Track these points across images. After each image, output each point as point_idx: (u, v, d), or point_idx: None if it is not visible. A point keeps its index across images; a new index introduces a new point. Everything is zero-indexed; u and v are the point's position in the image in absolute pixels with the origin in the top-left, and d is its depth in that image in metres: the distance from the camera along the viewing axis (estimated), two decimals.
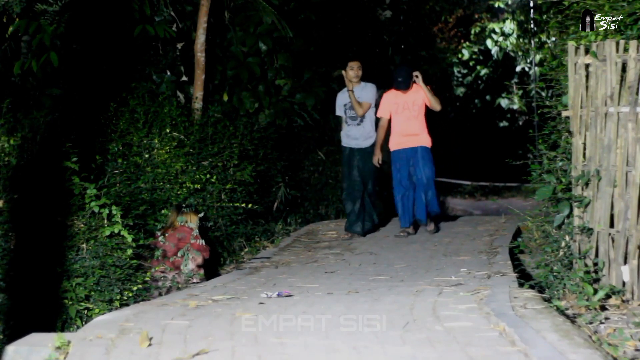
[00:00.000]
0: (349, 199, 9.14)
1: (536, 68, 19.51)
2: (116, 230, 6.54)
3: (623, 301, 5.24)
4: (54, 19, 8.75)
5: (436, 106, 8.92)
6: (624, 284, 5.37)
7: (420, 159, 8.90)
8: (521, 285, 5.59)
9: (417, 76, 8.87)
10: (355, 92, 9.08)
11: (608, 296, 5.23)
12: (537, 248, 7.08)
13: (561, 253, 5.76)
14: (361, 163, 9.13)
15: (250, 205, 8.81)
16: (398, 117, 8.97)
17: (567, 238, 5.76)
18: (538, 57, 19.79)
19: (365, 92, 9.10)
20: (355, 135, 9.18)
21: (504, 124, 23.41)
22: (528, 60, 22.43)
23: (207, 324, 4.51)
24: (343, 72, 9.14)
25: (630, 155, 5.38)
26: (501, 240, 8.47)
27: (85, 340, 4.04)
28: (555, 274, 5.59)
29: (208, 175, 8.50)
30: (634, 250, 5.33)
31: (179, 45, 10.13)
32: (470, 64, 23.67)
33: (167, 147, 8.43)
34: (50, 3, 8.83)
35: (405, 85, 8.89)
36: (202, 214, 7.75)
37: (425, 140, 8.99)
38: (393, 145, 9.03)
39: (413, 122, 8.93)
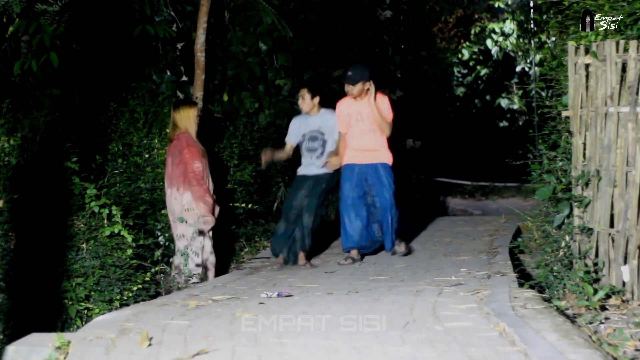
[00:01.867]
0: (285, 219, 7.87)
1: (536, 68, 19.52)
2: (116, 230, 6.55)
3: (623, 301, 5.25)
4: (54, 19, 8.74)
5: (385, 130, 7.64)
6: (624, 284, 5.37)
7: (383, 176, 7.67)
8: (521, 285, 5.59)
9: (368, 88, 7.63)
10: (315, 122, 7.98)
11: (608, 296, 5.23)
12: (537, 248, 7.08)
13: (561, 253, 5.76)
14: (311, 186, 7.88)
15: (250, 205, 8.81)
16: (352, 130, 7.74)
17: (567, 238, 5.76)
18: (538, 57, 19.81)
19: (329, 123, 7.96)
20: (314, 165, 7.98)
21: (504, 124, 23.43)
22: (528, 60, 22.44)
23: (207, 324, 4.51)
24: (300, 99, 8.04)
25: (630, 155, 5.38)
26: (501, 240, 8.47)
27: (85, 340, 4.04)
28: (555, 274, 5.59)
29: None
30: (634, 250, 5.33)
31: (179, 45, 10.13)
32: (470, 64, 23.68)
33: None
34: (50, 3, 8.82)
35: (351, 80, 7.59)
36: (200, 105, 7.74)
37: (386, 157, 7.73)
38: (346, 159, 7.78)
39: (368, 136, 7.68)
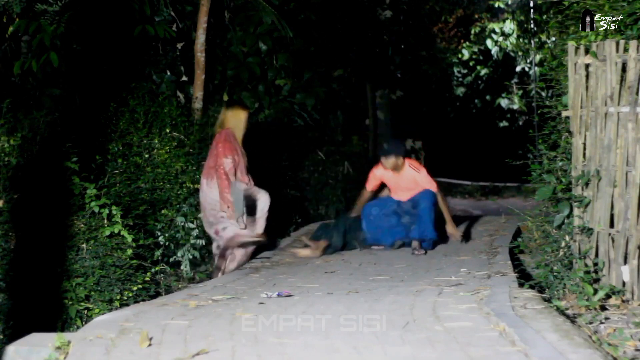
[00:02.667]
0: None
1: (536, 68, 19.52)
2: (116, 230, 6.55)
3: (623, 301, 5.24)
4: (54, 19, 8.74)
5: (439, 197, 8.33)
6: (624, 284, 5.37)
7: (420, 194, 8.22)
8: (521, 285, 5.58)
9: (402, 162, 8.26)
10: None
11: (608, 296, 5.23)
12: (537, 248, 7.08)
13: (561, 253, 5.76)
14: None
15: None
16: (393, 191, 8.48)
17: (567, 238, 5.75)
18: (538, 57, 19.81)
19: None
20: None
21: (504, 124, 23.43)
22: (528, 60, 22.44)
23: (207, 324, 4.51)
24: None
25: (630, 155, 5.38)
26: (501, 240, 8.46)
27: (85, 340, 4.04)
28: (555, 274, 5.59)
29: None
30: (634, 250, 5.33)
31: (179, 45, 10.13)
32: (470, 64, 23.69)
33: (167, 147, 8.43)
34: (50, 3, 8.82)
35: (384, 152, 8.32)
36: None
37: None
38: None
39: (407, 195, 8.36)
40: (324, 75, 11.12)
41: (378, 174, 8.47)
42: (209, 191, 7.62)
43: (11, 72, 8.91)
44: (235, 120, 7.79)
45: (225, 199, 7.50)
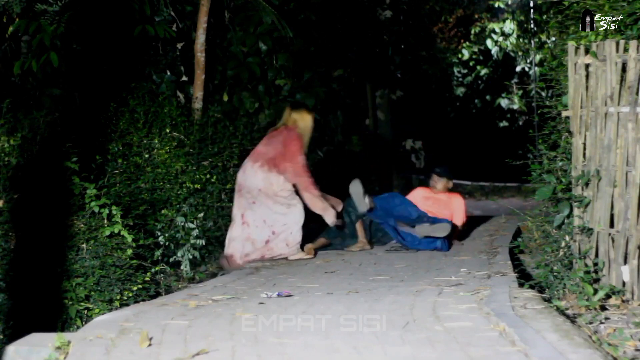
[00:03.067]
0: None
1: (536, 68, 19.53)
2: (116, 230, 6.55)
3: (623, 301, 5.24)
4: (54, 19, 8.74)
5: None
6: (624, 284, 5.37)
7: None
8: (521, 285, 5.58)
9: (449, 187, 8.77)
10: None
11: (608, 296, 5.23)
12: (537, 248, 7.08)
13: (561, 253, 5.76)
14: None
15: None
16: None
17: (567, 238, 5.75)
18: (538, 57, 19.82)
19: None
20: None
21: (504, 124, 23.44)
22: (528, 60, 22.45)
23: (207, 324, 4.51)
24: None
25: (630, 155, 5.38)
26: (501, 240, 8.47)
27: (85, 340, 4.04)
28: (555, 274, 5.59)
29: (208, 175, 8.50)
30: (634, 250, 5.33)
31: (179, 45, 10.13)
32: (470, 64, 23.69)
33: (167, 147, 8.43)
34: (50, 3, 8.83)
35: (437, 173, 8.74)
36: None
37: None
38: None
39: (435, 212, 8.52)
40: (324, 75, 11.12)
41: (422, 194, 8.80)
42: (253, 175, 7.71)
43: (11, 72, 8.91)
44: (304, 123, 7.84)
45: (315, 193, 7.68)
